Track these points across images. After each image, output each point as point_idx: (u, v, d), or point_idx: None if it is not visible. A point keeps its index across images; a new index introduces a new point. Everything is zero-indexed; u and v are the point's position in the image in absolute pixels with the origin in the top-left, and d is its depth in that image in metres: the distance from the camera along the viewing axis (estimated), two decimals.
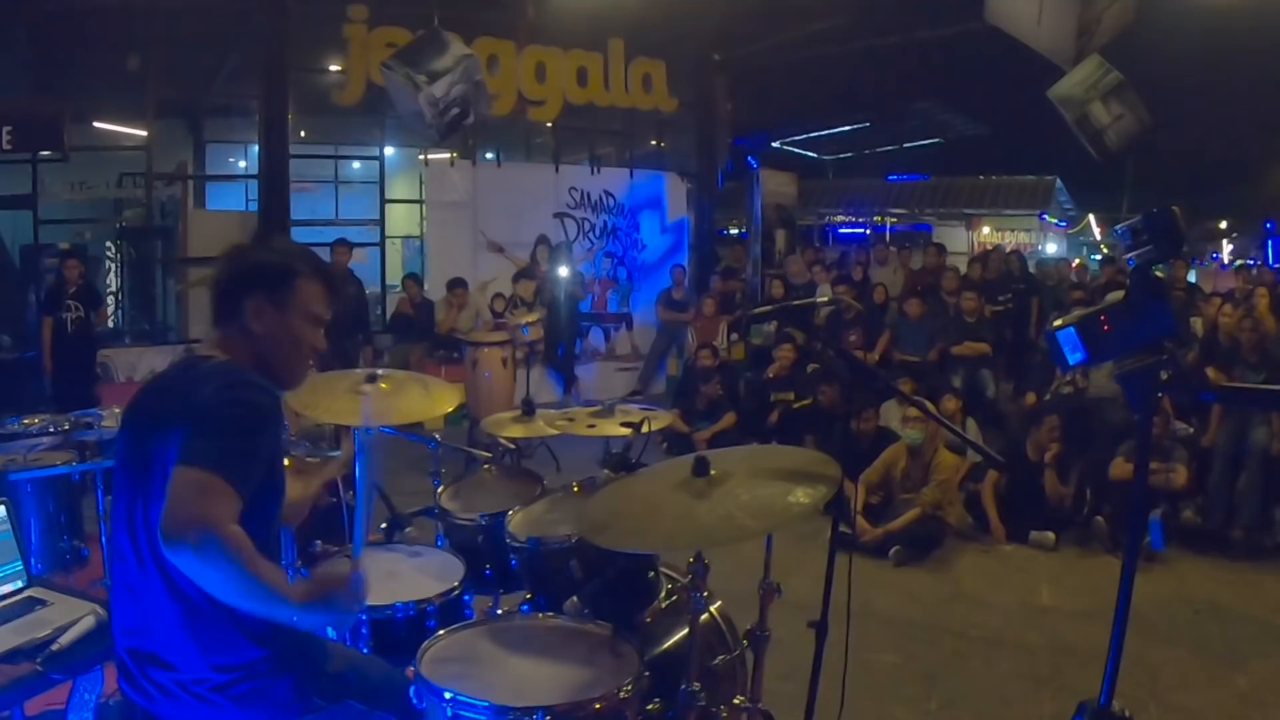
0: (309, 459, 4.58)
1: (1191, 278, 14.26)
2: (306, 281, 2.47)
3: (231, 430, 2.18)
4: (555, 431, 4.01)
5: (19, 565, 3.23)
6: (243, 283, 2.42)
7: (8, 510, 3.28)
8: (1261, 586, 6.38)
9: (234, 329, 2.42)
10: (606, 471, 3.24)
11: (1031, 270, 13.60)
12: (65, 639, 2.78)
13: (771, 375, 9.93)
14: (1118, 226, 2.02)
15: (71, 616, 2.89)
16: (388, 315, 12.63)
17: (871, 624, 5.56)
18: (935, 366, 9.95)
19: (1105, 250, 27.24)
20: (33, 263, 11.96)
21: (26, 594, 3.16)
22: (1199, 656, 5.24)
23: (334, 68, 12.74)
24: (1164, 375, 2.00)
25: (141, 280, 13.64)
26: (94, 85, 12.31)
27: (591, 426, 3.80)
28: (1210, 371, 7.53)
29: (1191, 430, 7.61)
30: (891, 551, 6.77)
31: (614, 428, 3.72)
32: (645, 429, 3.38)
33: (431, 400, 3.86)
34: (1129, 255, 1.97)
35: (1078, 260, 24.30)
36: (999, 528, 7.21)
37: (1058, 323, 1.99)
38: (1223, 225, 32.02)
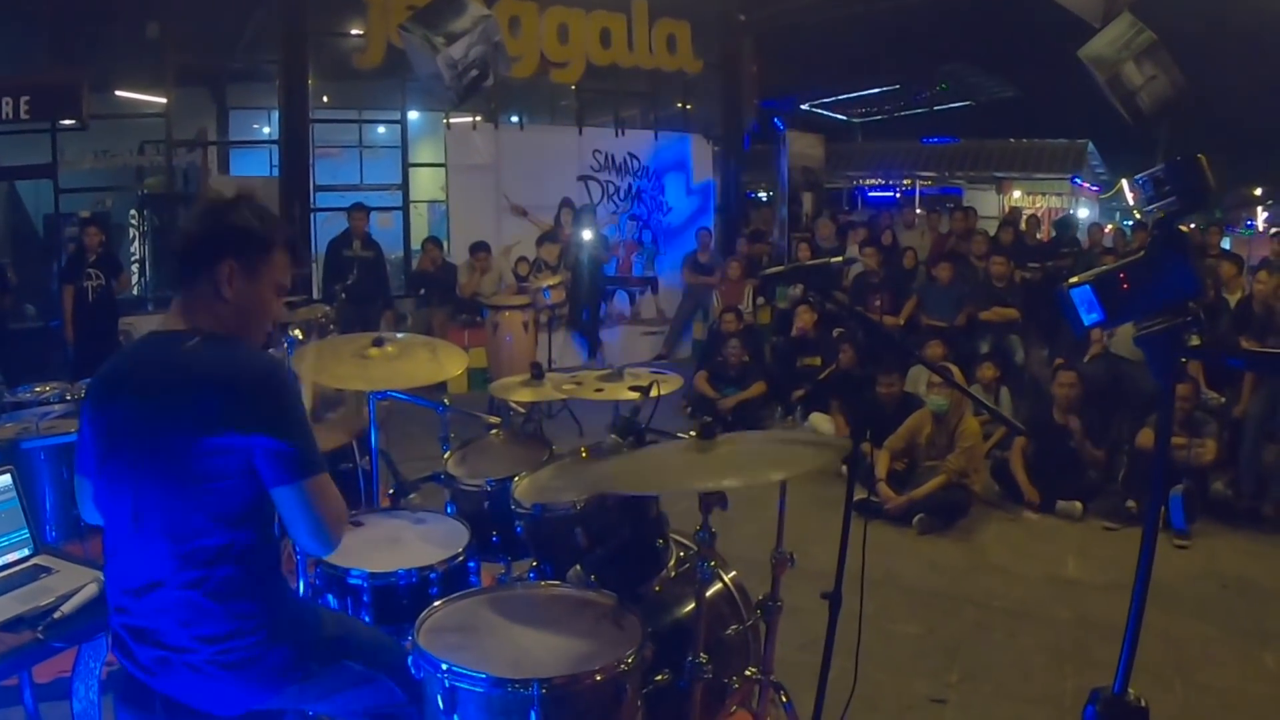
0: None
1: (1226, 244, 14.01)
2: (280, 253, 2.43)
3: (304, 426, 2.28)
4: (563, 395, 3.95)
5: (25, 533, 3.23)
6: (218, 245, 2.35)
7: (14, 478, 3.25)
8: None
9: (203, 293, 2.35)
10: (613, 436, 3.16)
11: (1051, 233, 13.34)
12: (67, 607, 2.77)
13: (795, 334, 9.84)
14: (1138, 176, 1.88)
15: (75, 584, 2.88)
16: (409, 274, 12.61)
17: (893, 593, 5.51)
18: (963, 332, 9.83)
19: (1138, 215, 26.84)
20: (54, 232, 12.00)
21: (32, 562, 3.16)
22: (1227, 634, 5.12)
23: (355, 31, 12.65)
24: (1190, 339, 1.89)
25: (164, 248, 13.61)
26: (113, 53, 12.27)
27: (600, 390, 3.74)
28: (1244, 341, 7.36)
29: (1223, 401, 7.46)
30: (915, 520, 6.69)
31: (622, 391, 3.65)
32: (654, 393, 3.30)
33: (439, 364, 3.81)
34: (1150, 207, 1.85)
35: (1110, 225, 23.96)
36: (1031, 491, 7.09)
37: (1072, 280, 1.86)
38: (1258, 192, 31.47)
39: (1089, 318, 1.86)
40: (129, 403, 2.29)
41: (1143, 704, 1.87)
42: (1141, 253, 1.85)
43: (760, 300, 12.72)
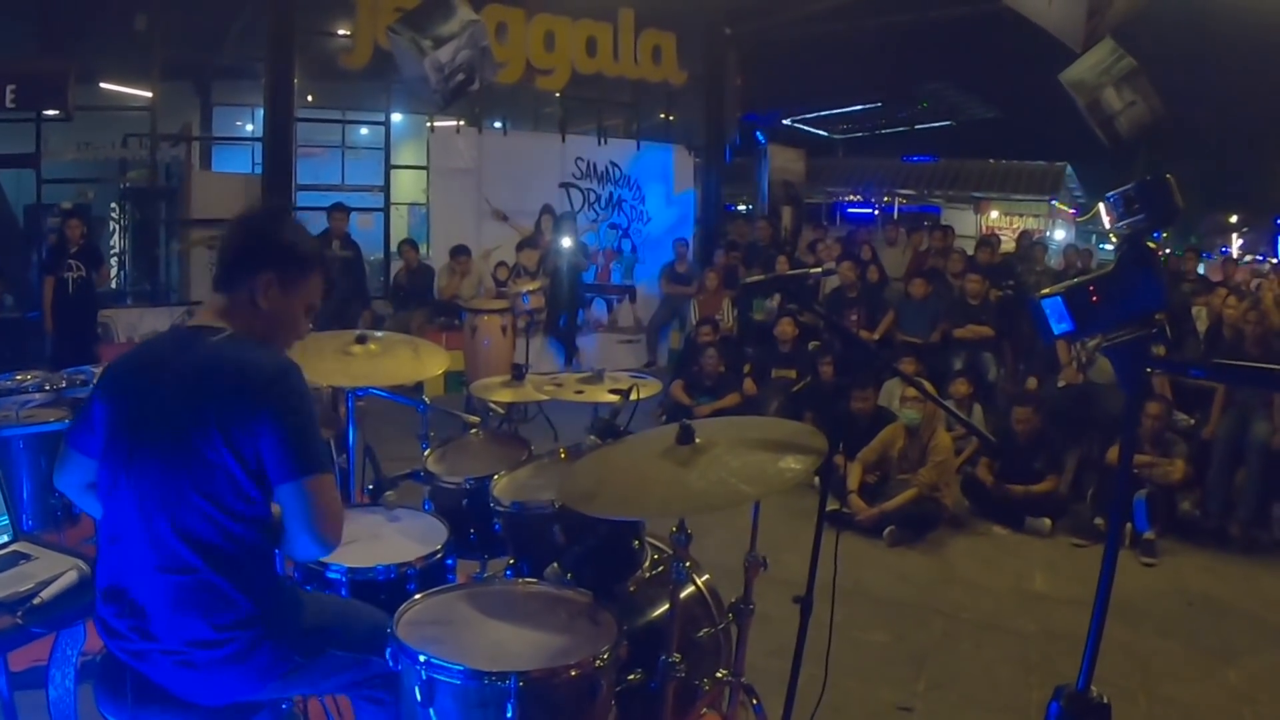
0: None
1: (1200, 270, 14.16)
2: (316, 276, 2.53)
3: (311, 425, 2.34)
4: (544, 396, 3.99)
5: (5, 520, 3.22)
6: (261, 257, 2.43)
7: None
8: (1257, 582, 6.34)
9: (240, 299, 2.43)
10: (592, 437, 3.20)
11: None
12: (47, 593, 2.76)
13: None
14: (1110, 194, 1.96)
15: (55, 571, 2.87)
16: (391, 282, 12.61)
17: (862, 603, 5.56)
18: (937, 348, 9.90)
19: (1115, 239, 27.07)
20: (35, 222, 11.92)
21: (12, 549, 3.14)
22: (1191, 649, 5.21)
23: (342, 31, 12.66)
24: (1156, 350, 1.96)
25: (145, 241, 13.59)
26: (100, 45, 12.22)
27: (580, 392, 3.78)
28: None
29: (1192, 422, 7.57)
30: (886, 531, 6.75)
31: (602, 394, 3.69)
32: (634, 396, 3.34)
33: (421, 362, 3.85)
34: (1120, 223, 1.92)
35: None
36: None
37: (1044, 291, 1.94)
38: (1233, 219, 31.85)
39: (1059, 327, 1.93)
40: (147, 391, 2.33)
41: (1105, 700, 1.93)
42: (1111, 265, 1.92)
43: (736, 311, 12.74)
